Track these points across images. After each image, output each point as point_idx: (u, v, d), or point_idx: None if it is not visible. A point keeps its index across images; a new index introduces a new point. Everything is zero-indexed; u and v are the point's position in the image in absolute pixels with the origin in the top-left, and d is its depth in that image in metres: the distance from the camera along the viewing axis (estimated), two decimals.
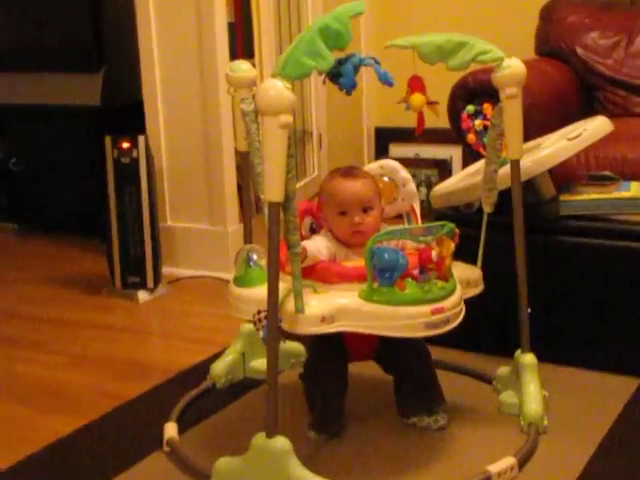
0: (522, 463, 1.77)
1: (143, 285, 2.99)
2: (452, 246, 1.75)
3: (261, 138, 1.62)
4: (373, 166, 2.05)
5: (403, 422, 1.94)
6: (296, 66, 1.56)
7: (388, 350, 1.89)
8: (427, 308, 1.68)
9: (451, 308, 1.72)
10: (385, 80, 1.72)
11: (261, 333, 1.68)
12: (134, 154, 2.93)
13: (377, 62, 1.75)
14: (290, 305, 1.65)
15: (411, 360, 1.92)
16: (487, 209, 1.99)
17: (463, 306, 1.79)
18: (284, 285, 1.65)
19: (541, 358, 1.99)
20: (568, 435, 1.89)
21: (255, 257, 1.84)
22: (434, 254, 1.71)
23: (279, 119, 1.53)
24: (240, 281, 1.83)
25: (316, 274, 1.75)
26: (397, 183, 2.02)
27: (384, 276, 1.66)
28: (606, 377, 2.14)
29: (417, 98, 1.84)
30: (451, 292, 1.74)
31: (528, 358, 1.97)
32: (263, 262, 1.82)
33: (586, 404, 2.03)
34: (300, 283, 1.65)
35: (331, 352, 1.88)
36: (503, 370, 2.07)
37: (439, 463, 1.81)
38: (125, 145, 2.93)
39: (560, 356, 2.19)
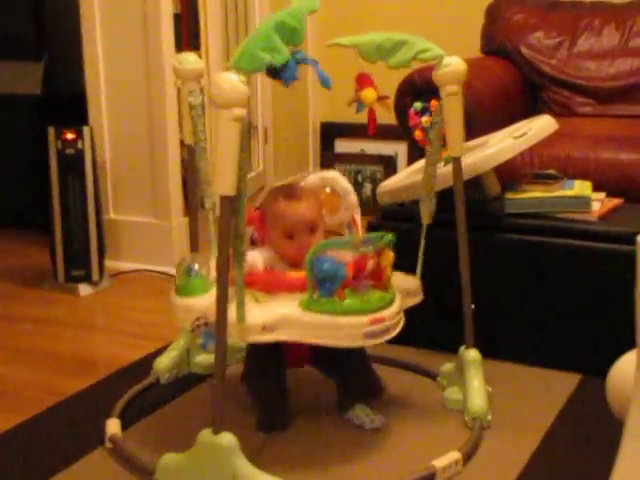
0: (467, 458, 1.79)
1: (88, 279, 2.94)
2: (391, 256, 1.77)
3: (214, 131, 1.61)
4: (314, 177, 2.04)
5: (343, 418, 1.94)
6: (252, 60, 1.55)
7: (324, 356, 1.90)
8: (366, 318, 1.70)
9: (390, 318, 1.74)
10: (325, 82, 1.71)
11: (200, 340, 1.70)
12: (79, 145, 2.88)
13: (316, 63, 1.74)
14: (231, 313, 1.65)
15: (343, 358, 1.92)
16: (425, 220, 2.01)
17: (402, 316, 1.81)
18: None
19: (485, 354, 2.01)
20: (512, 430, 1.91)
21: (196, 267, 1.84)
22: (370, 264, 1.73)
23: (233, 112, 1.52)
24: (181, 290, 1.83)
25: (260, 284, 1.76)
26: (339, 194, 2.02)
27: (324, 286, 1.68)
28: (549, 373, 2.17)
29: (369, 93, 1.84)
30: (390, 302, 1.76)
31: (472, 354, 1.99)
32: (204, 271, 1.83)
33: (529, 399, 2.05)
34: (242, 292, 1.66)
35: (268, 359, 1.89)
36: (447, 366, 2.09)
37: (384, 458, 1.82)
38: (70, 136, 2.87)
39: (503, 352, 2.22)
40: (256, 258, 1.82)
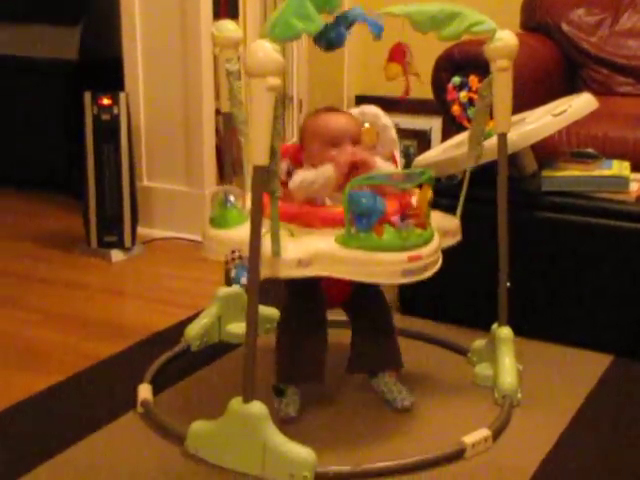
0: (496, 435, 1.78)
1: (120, 244, 2.96)
2: (430, 194, 1.73)
3: (248, 100, 1.60)
4: (354, 111, 2.01)
5: (370, 382, 1.91)
6: (285, 28, 1.53)
7: (357, 301, 1.88)
8: (404, 255, 1.67)
9: (429, 256, 1.71)
10: (376, 29, 1.68)
11: (233, 272, 1.66)
12: (115, 111, 2.88)
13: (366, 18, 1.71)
14: (266, 248, 1.62)
15: (375, 318, 1.90)
16: (471, 162, 1.95)
17: (440, 254, 1.78)
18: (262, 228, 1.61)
19: (517, 332, 2.00)
20: (541, 408, 1.91)
21: (232, 198, 1.79)
22: (414, 200, 1.70)
23: (267, 81, 1.50)
24: (216, 222, 1.78)
25: (299, 218, 1.73)
26: (377, 129, 1.98)
27: (361, 221, 1.64)
28: (581, 353, 2.16)
29: (392, 68, 1.82)
30: (429, 240, 1.73)
31: (504, 332, 1.98)
32: (240, 203, 1.80)
33: (560, 379, 2.04)
34: (278, 226, 1.63)
35: (308, 295, 1.85)
36: (479, 343, 2.08)
37: (414, 433, 1.82)
38: (106, 101, 2.88)
39: (536, 331, 2.21)
40: (310, 173, 1.76)
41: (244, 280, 1.63)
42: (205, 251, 1.81)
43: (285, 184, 1.76)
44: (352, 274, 1.67)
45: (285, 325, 1.91)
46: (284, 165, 1.84)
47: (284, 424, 1.77)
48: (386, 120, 1.97)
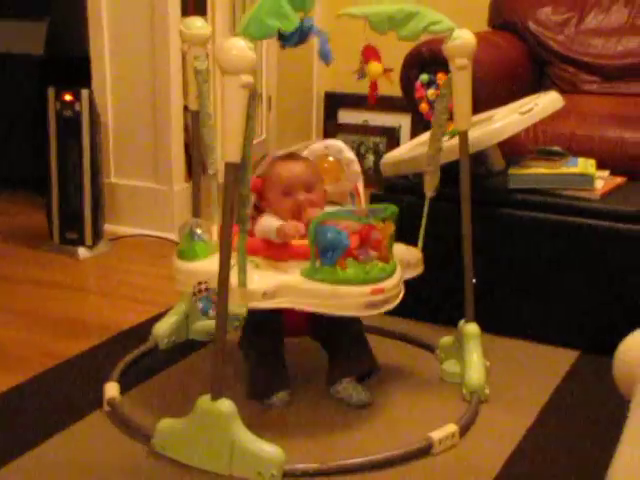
0: (463, 431, 1.80)
1: (81, 242, 2.94)
2: (392, 228, 1.77)
3: (218, 98, 1.60)
4: (318, 146, 2.05)
5: (330, 391, 1.93)
6: (260, 26, 1.53)
7: (322, 327, 1.90)
8: (367, 288, 1.71)
9: (391, 289, 1.75)
10: (324, 57, 1.68)
11: (200, 304, 1.70)
12: (77, 107, 2.86)
13: (323, 36, 1.70)
14: (233, 279, 1.65)
15: (339, 332, 1.92)
16: (428, 193, 2.00)
17: (402, 287, 1.82)
18: None
19: (484, 328, 2.02)
20: (509, 404, 1.92)
21: (199, 231, 1.85)
22: (374, 234, 1.74)
23: (240, 78, 1.50)
24: (184, 254, 1.83)
25: (264, 251, 1.78)
26: (341, 163, 2.02)
27: (326, 255, 1.69)
28: (547, 349, 2.18)
29: (375, 67, 1.83)
30: (391, 273, 1.76)
31: (471, 328, 2.00)
32: (207, 236, 1.85)
33: (527, 374, 2.06)
34: (244, 258, 1.67)
35: (267, 326, 1.89)
36: (446, 339, 2.09)
37: (381, 430, 1.83)
38: (68, 98, 2.86)
39: (503, 327, 2.23)
40: (272, 221, 1.82)
41: (212, 313, 1.66)
42: (175, 283, 1.84)
43: (252, 218, 1.81)
44: (316, 306, 1.71)
45: (246, 352, 1.97)
46: (252, 198, 1.87)
47: (253, 420, 1.77)
48: (349, 154, 2.03)
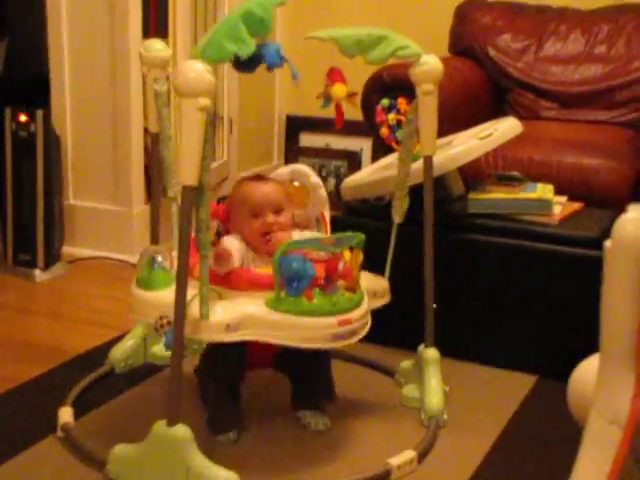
0: (422, 456, 1.79)
1: (33, 264, 2.89)
2: (361, 257, 1.74)
3: (178, 120, 1.59)
4: (284, 170, 2.03)
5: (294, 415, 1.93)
6: (217, 49, 1.53)
7: (288, 358, 1.87)
8: (334, 319, 1.67)
9: (358, 319, 1.72)
10: (295, 76, 1.70)
11: (163, 339, 1.65)
12: (32, 128, 2.83)
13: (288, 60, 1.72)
14: (195, 310, 1.61)
15: (310, 362, 1.89)
16: (397, 219, 1.99)
17: (369, 318, 1.78)
18: (189, 290, 1.59)
19: (444, 353, 2.02)
20: (467, 429, 1.92)
21: (159, 258, 1.79)
22: (341, 265, 1.70)
23: (198, 102, 1.50)
24: (143, 283, 1.77)
25: (225, 280, 1.71)
26: (307, 188, 2.00)
27: (291, 285, 1.64)
28: (505, 374, 2.18)
29: (339, 88, 1.83)
30: (358, 303, 1.73)
31: (431, 353, 2.00)
32: (167, 264, 1.79)
33: (486, 399, 2.07)
34: (206, 288, 1.62)
35: (229, 360, 1.83)
36: (406, 364, 2.09)
37: (340, 456, 1.82)
38: (23, 118, 2.83)
39: (462, 351, 2.23)
40: (232, 245, 1.76)
41: None
42: (132, 312, 1.79)
43: (214, 244, 1.75)
44: (281, 339, 1.66)
45: (203, 381, 1.92)
46: (214, 225, 1.85)
47: (210, 448, 1.75)
48: (316, 179, 2.01)
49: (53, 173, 2.90)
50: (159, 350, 2.17)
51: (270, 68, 1.68)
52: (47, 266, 2.90)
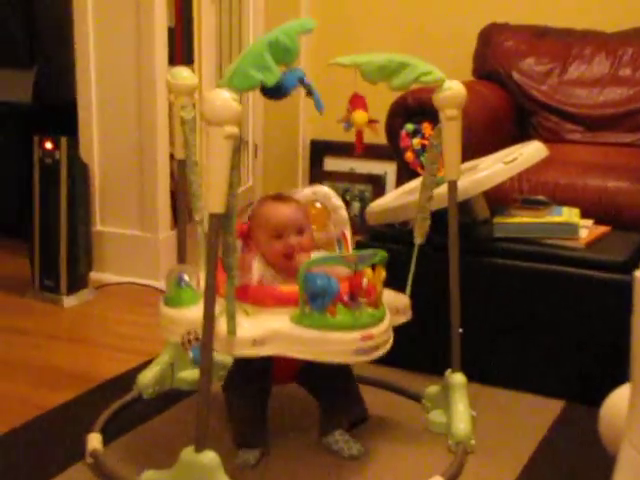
0: None
1: (57, 289, 2.92)
2: (383, 274, 1.77)
3: (204, 147, 1.61)
4: (306, 192, 2.05)
5: (322, 442, 1.92)
6: (243, 78, 1.55)
7: (312, 373, 1.88)
8: (357, 334, 1.69)
9: (380, 335, 1.74)
10: (319, 106, 1.72)
11: (190, 354, 1.68)
12: (57, 155, 2.86)
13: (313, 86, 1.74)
14: (222, 326, 1.64)
15: (333, 380, 1.91)
16: (418, 239, 2.00)
17: (392, 334, 1.80)
18: (216, 307, 1.62)
19: (471, 377, 2.01)
20: (495, 455, 1.91)
21: (186, 277, 1.82)
22: (365, 281, 1.73)
23: (224, 130, 1.51)
24: (170, 301, 1.81)
25: (251, 297, 1.74)
26: (329, 209, 2.02)
27: (316, 301, 1.67)
28: (533, 398, 2.17)
29: (360, 115, 1.84)
30: (381, 319, 1.75)
31: (458, 377, 1.99)
32: (194, 282, 1.82)
33: (513, 425, 2.05)
34: (233, 305, 1.65)
35: (255, 375, 1.86)
36: (432, 389, 2.08)
37: None
38: (48, 146, 2.87)
39: (489, 376, 2.22)
40: (251, 262, 1.80)
41: None
42: (162, 331, 1.82)
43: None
44: (305, 353, 1.69)
45: (231, 396, 1.93)
46: (237, 244, 1.86)
47: (238, 472, 1.75)
48: (337, 200, 2.02)
49: (77, 200, 2.92)
50: (187, 375, 2.18)
51: (285, 92, 1.69)
52: (71, 292, 2.92)
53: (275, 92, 1.66)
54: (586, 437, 1.88)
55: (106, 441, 1.91)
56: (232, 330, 1.65)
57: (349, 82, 1.81)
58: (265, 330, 1.67)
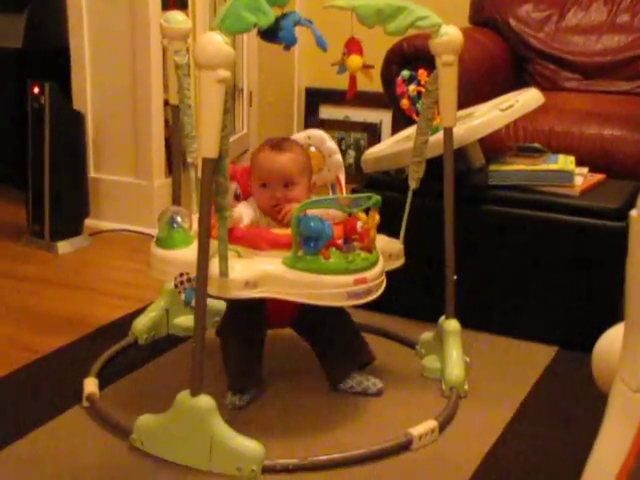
0: (443, 426, 1.80)
1: (41, 235, 2.92)
2: (377, 218, 1.77)
3: (197, 92, 1.59)
4: (300, 135, 2.04)
5: (339, 388, 1.93)
6: (236, 20, 1.53)
7: (307, 317, 1.89)
8: (350, 278, 1.70)
9: (373, 279, 1.75)
10: (321, 43, 1.71)
11: (183, 296, 1.68)
12: (42, 100, 2.83)
13: (311, 23, 1.73)
14: (214, 268, 1.64)
15: (332, 326, 1.92)
16: (413, 184, 2.00)
17: (384, 278, 1.81)
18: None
19: (464, 324, 2.02)
20: (488, 400, 1.93)
21: (179, 219, 1.82)
22: (359, 225, 1.73)
23: (217, 73, 1.50)
24: (163, 242, 1.80)
25: (245, 240, 1.75)
26: (323, 153, 2.01)
27: (309, 244, 1.68)
28: (526, 345, 2.19)
29: (355, 60, 1.83)
30: (374, 263, 1.76)
31: (452, 324, 2.00)
32: (187, 224, 1.82)
33: (506, 370, 2.07)
34: (225, 247, 1.65)
35: (250, 316, 1.87)
36: (427, 335, 2.10)
37: (361, 425, 1.83)
38: (36, 90, 2.84)
39: (483, 323, 2.23)
40: (242, 211, 1.81)
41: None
42: (151, 270, 1.82)
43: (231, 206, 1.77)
44: (298, 296, 1.70)
45: (225, 339, 1.94)
46: (232, 187, 1.86)
47: (233, 415, 1.77)
48: (331, 144, 2.02)
49: (64, 145, 2.89)
50: (182, 322, 2.20)
51: (286, 48, 1.68)
52: (58, 238, 2.91)
53: (273, 35, 1.64)
54: (578, 382, 1.91)
55: (102, 385, 1.93)
56: (224, 272, 1.65)
57: (345, 26, 1.78)
58: (257, 272, 1.67)
